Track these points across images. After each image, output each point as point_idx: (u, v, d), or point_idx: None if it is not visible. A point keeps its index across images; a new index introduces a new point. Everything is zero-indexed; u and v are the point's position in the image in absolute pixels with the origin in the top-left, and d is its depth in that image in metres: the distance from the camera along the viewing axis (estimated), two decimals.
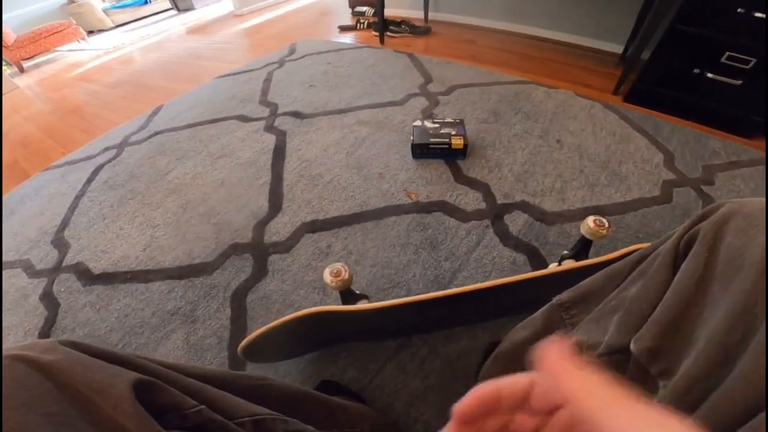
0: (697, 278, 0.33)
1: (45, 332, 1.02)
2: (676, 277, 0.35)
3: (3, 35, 3.60)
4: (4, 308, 1.11)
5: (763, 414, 0.24)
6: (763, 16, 1.20)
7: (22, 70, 3.65)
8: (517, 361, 0.58)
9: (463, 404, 0.21)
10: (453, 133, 1.36)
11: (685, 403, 0.29)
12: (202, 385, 0.41)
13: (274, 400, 0.50)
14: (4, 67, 3.57)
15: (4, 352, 0.30)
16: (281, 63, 2.35)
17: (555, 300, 0.55)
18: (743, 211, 0.32)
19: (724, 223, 0.32)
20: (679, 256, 0.36)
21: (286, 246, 1.14)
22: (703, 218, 0.35)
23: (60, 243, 1.28)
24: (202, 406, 0.37)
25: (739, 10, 1.23)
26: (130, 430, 0.30)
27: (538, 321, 0.57)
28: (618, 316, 0.40)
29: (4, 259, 1.27)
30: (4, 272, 1.22)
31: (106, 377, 0.32)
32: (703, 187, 1.20)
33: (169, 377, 0.38)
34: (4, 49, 3.60)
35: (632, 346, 0.36)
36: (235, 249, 1.16)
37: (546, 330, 0.55)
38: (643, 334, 0.35)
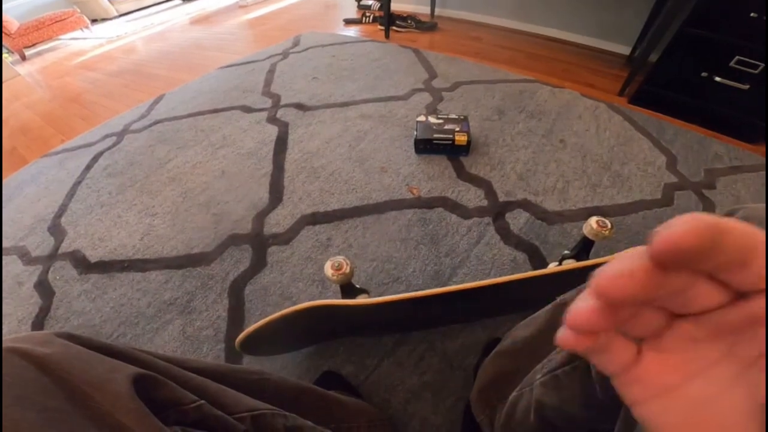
0: None
1: (39, 321, 1.01)
2: None
3: (6, 23, 3.58)
4: None
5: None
6: None
7: (23, 58, 3.62)
8: (519, 359, 0.58)
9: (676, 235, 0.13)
10: (456, 129, 1.35)
11: None
12: (202, 380, 0.40)
13: (271, 395, 0.49)
14: (5, 55, 3.55)
15: None
16: (285, 55, 2.33)
17: (559, 299, 0.54)
18: (758, 217, 0.31)
19: None
20: None
21: (285, 238, 1.14)
22: None
23: (56, 230, 1.27)
24: (202, 402, 0.37)
25: (752, 14, 1.22)
26: (129, 427, 0.29)
27: (541, 320, 0.57)
28: None
29: None
30: None
31: (104, 372, 0.31)
32: (704, 191, 1.20)
33: (169, 371, 0.37)
34: (6, 36, 3.57)
35: None
36: (234, 240, 1.15)
37: (549, 329, 0.55)
38: None
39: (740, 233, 0.13)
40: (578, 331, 0.15)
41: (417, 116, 1.44)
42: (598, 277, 0.14)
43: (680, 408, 0.16)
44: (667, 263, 0.13)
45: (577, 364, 0.43)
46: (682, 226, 0.13)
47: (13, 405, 0.25)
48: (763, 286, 0.13)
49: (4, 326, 1.02)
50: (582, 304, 0.15)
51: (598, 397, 0.40)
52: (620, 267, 0.14)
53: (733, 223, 0.13)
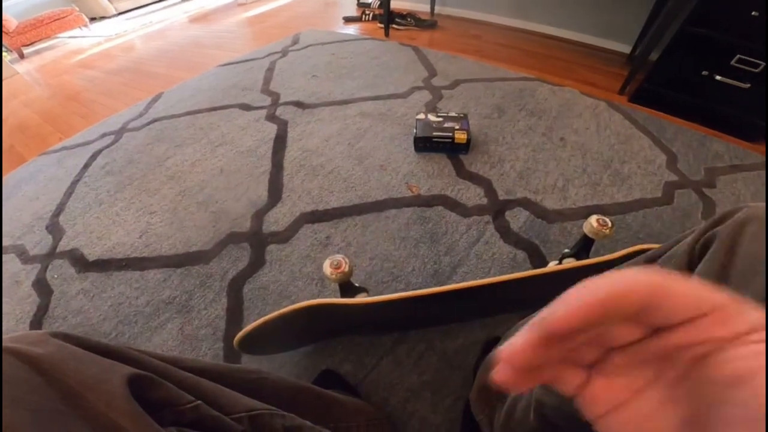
0: (713, 282, 0.32)
1: (37, 320, 1.01)
2: None
3: (5, 21, 3.56)
4: None
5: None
6: None
7: (22, 57, 3.60)
8: None
9: (558, 320, 0.15)
10: (456, 127, 1.34)
11: None
12: (198, 380, 0.40)
13: (269, 394, 0.49)
14: (4, 54, 3.53)
15: None
16: (284, 53, 2.32)
17: None
18: (761, 216, 0.31)
19: (742, 227, 0.32)
20: (694, 258, 0.35)
21: (284, 236, 1.13)
22: (721, 221, 0.34)
23: (55, 228, 1.26)
24: (199, 402, 0.36)
25: (753, 13, 1.21)
26: (124, 427, 0.28)
27: None
28: None
29: None
30: None
31: (99, 372, 0.31)
32: (705, 190, 1.20)
33: (165, 371, 0.37)
34: (5, 35, 3.56)
35: None
36: (233, 238, 1.14)
37: None
38: None
39: (639, 289, 0.15)
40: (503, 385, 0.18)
41: (416, 114, 1.44)
42: (501, 351, 0.17)
43: (629, 423, 0.18)
44: (558, 340, 0.16)
45: None
46: (560, 312, 0.15)
47: (7, 406, 0.25)
48: (672, 321, 0.16)
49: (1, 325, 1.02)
50: (500, 368, 0.17)
51: None
52: (514, 345, 0.17)
53: (630, 281, 0.15)
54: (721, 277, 0.31)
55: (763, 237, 0.29)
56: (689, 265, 0.35)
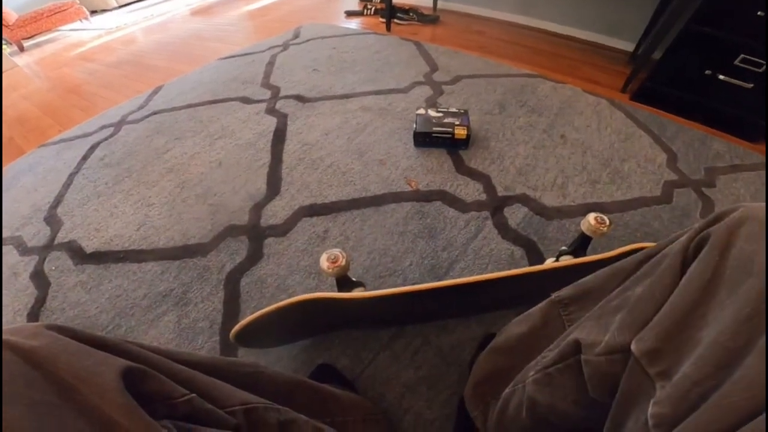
0: (705, 281, 0.32)
1: (34, 312, 1.01)
2: (684, 279, 0.34)
3: (5, 14, 3.54)
4: None
5: (762, 417, 0.23)
6: None
7: (22, 49, 3.59)
8: (513, 355, 0.57)
9: None
10: (456, 123, 1.34)
11: (683, 405, 0.28)
12: (193, 373, 0.40)
13: (265, 388, 0.49)
14: (4, 47, 3.51)
15: None
16: (285, 46, 2.31)
17: (554, 296, 0.54)
18: (757, 216, 0.31)
19: (737, 227, 0.31)
20: (688, 258, 0.35)
21: (282, 229, 1.13)
22: (715, 221, 0.34)
23: (53, 220, 1.26)
24: (192, 395, 0.36)
25: (759, 13, 1.20)
26: (117, 421, 0.28)
27: (535, 316, 0.56)
28: (620, 315, 0.39)
29: None
30: None
31: (92, 364, 0.31)
32: (704, 190, 1.19)
33: (159, 364, 0.37)
34: (5, 28, 3.54)
35: (633, 347, 0.35)
36: (231, 231, 1.14)
37: (543, 326, 0.54)
38: (646, 335, 0.34)
39: None
40: None
41: (417, 109, 1.43)
42: None
43: None
44: None
45: (570, 362, 0.42)
46: None
47: (3, 401, 0.25)
48: None
49: None
50: None
51: (589, 395, 0.40)
52: None
53: None
54: (714, 277, 0.31)
55: (762, 237, 0.29)
56: (683, 264, 0.35)
